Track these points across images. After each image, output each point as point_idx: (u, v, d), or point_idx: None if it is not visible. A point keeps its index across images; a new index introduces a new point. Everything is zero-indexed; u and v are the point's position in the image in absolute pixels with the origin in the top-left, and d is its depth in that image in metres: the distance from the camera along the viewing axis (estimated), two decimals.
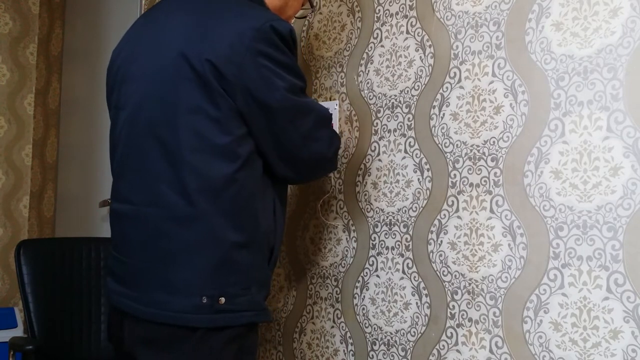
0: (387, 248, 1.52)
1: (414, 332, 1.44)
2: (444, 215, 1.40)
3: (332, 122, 1.51)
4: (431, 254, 1.42)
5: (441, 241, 1.40)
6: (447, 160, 1.40)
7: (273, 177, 1.34)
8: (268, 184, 1.32)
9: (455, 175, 1.38)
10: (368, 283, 1.56)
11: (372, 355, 1.53)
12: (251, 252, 1.26)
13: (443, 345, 1.38)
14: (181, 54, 1.21)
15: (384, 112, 1.55)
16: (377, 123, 1.57)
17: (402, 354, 1.46)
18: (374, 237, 1.55)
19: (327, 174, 1.62)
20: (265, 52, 1.21)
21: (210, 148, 1.20)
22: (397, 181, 1.51)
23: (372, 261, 1.55)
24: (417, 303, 1.44)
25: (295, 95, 1.28)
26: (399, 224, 1.49)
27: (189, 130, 1.20)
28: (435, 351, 1.39)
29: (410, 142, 1.49)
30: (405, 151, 1.49)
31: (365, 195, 1.58)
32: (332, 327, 1.64)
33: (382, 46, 1.57)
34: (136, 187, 1.28)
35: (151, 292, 1.23)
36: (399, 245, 1.49)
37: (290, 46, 1.27)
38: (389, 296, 1.50)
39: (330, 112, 1.66)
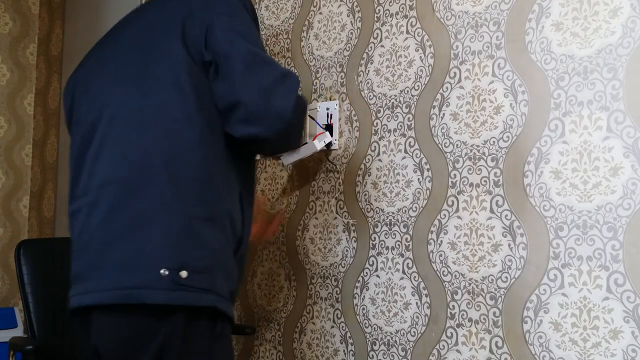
0: (387, 248, 1.52)
1: (414, 332, 1.44)
2: (444, 215, 1.40)
3: (299, 89, 1.35)
4: (431, 254, 1.42)
5: (441, 241, 1.40)
6: (447, 160, 1.40)
7: (238, 166, 1.29)
8: (232, 172, 1.27)
9: (455, 175, 1.38)
10: (368, 283, 1.55)
11: (372, 355, 1.53)
12: (215, 229, 1.20)
13: (443, 345, 1.38)
14: (150, 37, 1.26)
15: (384, 112, 1.55)
16: (377, 123, 1.57)
17: (402, 354, 1.46)
18: (374, 237, 1.55)
19: (292, 144, 1.41)
20: (225, 12, 1.24)
21: (171, 118, 1.20)
22: (397, 181, 1.51)
23: (372, 261, 1.55)
24: (417, 303, 1.44)
25: (258, 48, 1.26)
26: (399, 224, 1.49)
27: (155, 103, 1.21)
28: (435, 351, 1.39)
29: (410, 142, 1.48)
30: (405, 151, 1.49)
31: (365, 195, 1.58)
32: (332, 327, 1.64)
33: (382, 46, 1.57)
34: (95, 173, 1.24)
35: (108, 274, 1.16)
36: (399, 245, 1.49)
37: (247, 7, 1.30)
38: (389, 296, 1.50)
39: (330, 112, 1.66)
